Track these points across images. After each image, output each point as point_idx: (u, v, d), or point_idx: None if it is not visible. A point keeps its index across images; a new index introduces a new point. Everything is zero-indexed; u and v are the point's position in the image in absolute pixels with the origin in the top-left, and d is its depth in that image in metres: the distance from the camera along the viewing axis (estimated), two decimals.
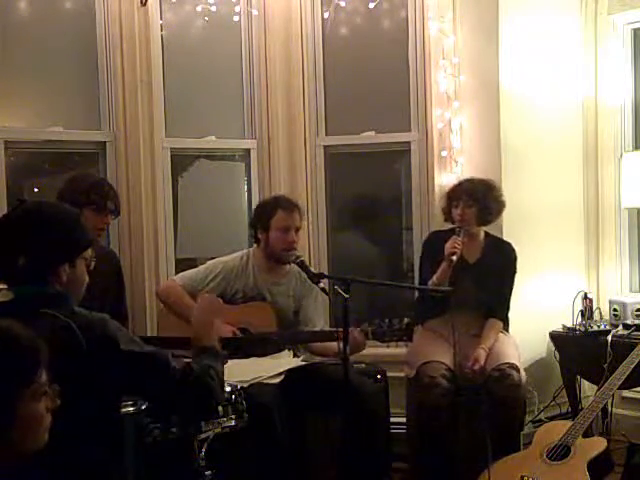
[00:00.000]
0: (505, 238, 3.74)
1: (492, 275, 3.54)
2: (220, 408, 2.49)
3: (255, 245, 3.51)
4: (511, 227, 3.87)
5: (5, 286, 1.95)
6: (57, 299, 1.91)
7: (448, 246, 3.40)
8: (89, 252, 2.03)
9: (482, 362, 3.37)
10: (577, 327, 3.92)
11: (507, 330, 3.63)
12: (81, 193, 3.16)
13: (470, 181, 3.62)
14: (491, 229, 3.68)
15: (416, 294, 3.87)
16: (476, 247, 3.59)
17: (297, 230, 3.40)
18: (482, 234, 3.63)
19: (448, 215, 3.60)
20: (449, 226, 3.63)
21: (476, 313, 3.55)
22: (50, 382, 1.46)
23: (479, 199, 3.49)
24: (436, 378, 3.29)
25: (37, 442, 1.45)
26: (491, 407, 3.30)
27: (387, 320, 3.04)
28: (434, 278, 3.45)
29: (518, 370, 3.32)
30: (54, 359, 1.49)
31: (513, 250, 3.64)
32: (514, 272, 3.61)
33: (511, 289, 3.61)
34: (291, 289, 3.47)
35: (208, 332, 2.23)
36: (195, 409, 2.10)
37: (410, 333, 3.04)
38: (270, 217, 3.37)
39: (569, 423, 3.17)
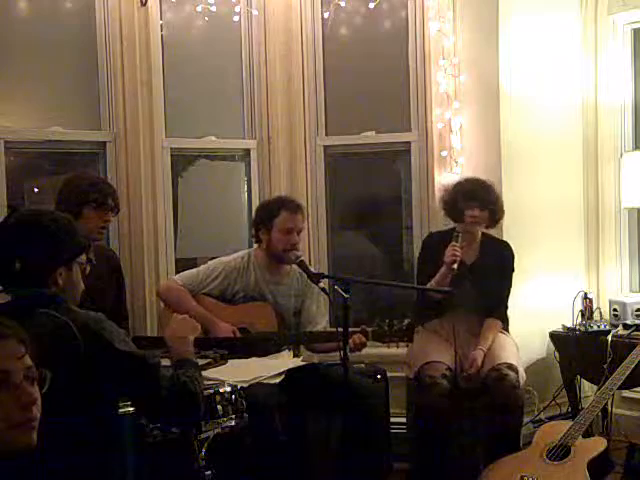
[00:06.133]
0: (505, 238, 3.74)
1: (490, 275, 3.53)
2: (220, 408, 2.50)
3: (256, 245, 3.50)
4: (511, 227, 3.86)
5: (1, 288, 1.97)
6: (53, 300, 1.93)
7: (448, 254, 3.38)
8: (84, 257, 2.05)
9: (480, 363, 3.37)
10: (577, 327, 3.92)
11: (507, 329, 3.63)
12: (80, 192, 3.16)
13: (480, 182, 3.55)
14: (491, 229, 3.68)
15: (416, 294, 3.86)
16: (474, 248, 3.58)
17: (300, 231, 3.39)
18: (479, 234, 3.61)
19: (453, 212, 3.55)
20: (447, 226, 3.63)
21: (475, 313, 3.54)
22: (24, 376, 1.36)
23: (493, 203, 3.49)
24: (437, 378, 3.29)
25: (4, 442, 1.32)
26: (489, 407, 3.30)
27: (387, 321, 3.04)
28: (433, 281, 3.43)
29: (516, 370, 3.31)
30: (53, 357, 1.49)
31: (510, 249, 3.63)
32: (512, 271, 3.60)
33: (509, 288, 3.60)
34: (292, 289, 3.46)
35: (187, 348, 2.27)
36: (179, 415, 2.13)
37: (411, 334, 3.04)
38: (273, 217, 3.35)
39: (569, 423, 3.17)
